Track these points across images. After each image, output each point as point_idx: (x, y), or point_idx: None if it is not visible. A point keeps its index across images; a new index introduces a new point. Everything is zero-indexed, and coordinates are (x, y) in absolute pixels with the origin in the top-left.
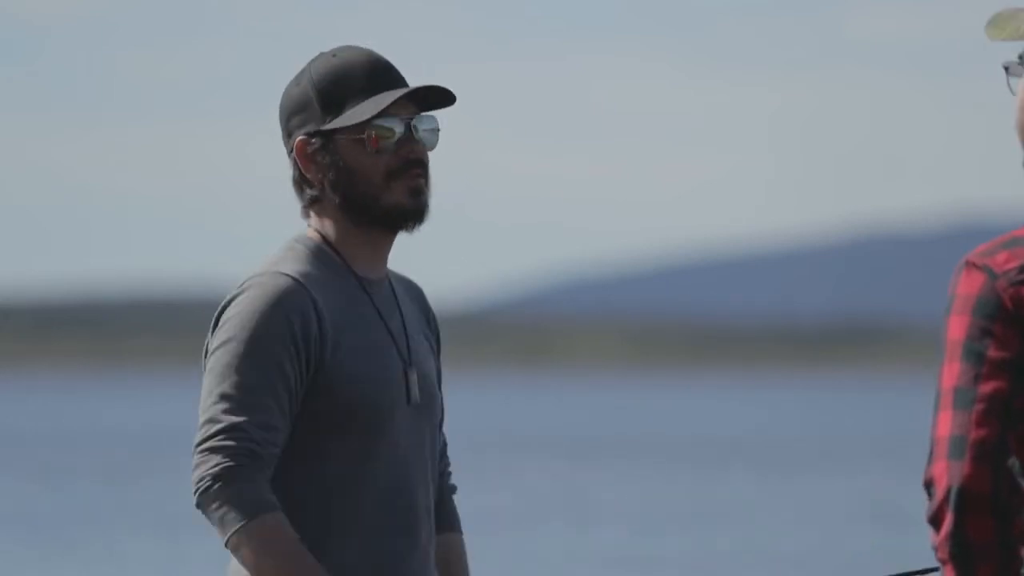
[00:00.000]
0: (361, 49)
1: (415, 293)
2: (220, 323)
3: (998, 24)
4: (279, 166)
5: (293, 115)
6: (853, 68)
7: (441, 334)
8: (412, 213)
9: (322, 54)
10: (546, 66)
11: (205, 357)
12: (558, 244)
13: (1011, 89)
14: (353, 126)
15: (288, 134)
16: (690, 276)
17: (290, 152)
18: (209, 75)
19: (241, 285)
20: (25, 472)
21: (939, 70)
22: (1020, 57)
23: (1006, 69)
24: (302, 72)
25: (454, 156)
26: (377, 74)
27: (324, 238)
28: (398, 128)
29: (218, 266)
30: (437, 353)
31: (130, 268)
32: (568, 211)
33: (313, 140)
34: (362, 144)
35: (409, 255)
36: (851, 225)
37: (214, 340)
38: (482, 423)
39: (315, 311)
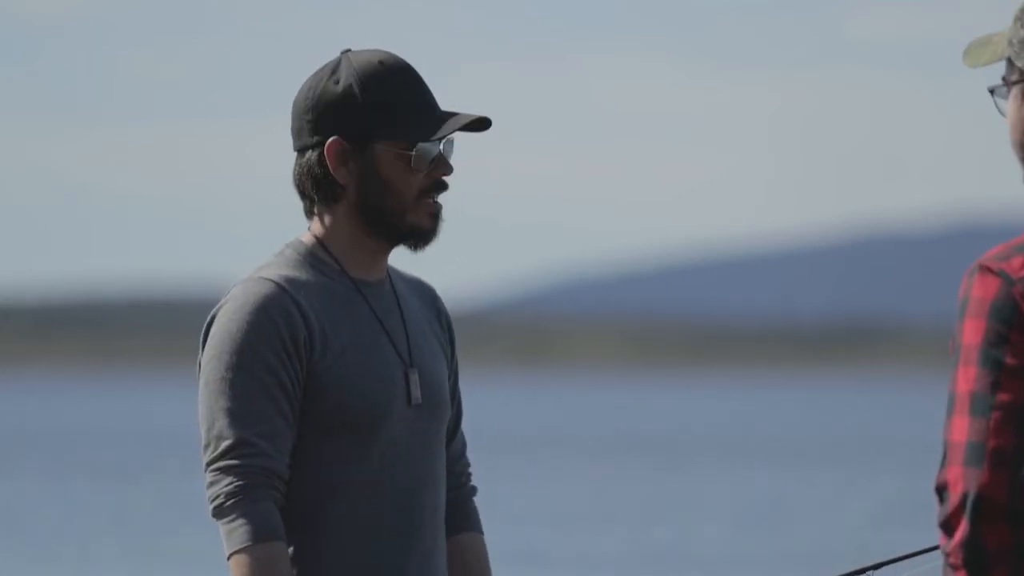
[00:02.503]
0: (400, 58)
1: (425, 294)
2: (209, 336)
3: (973, 53)
4: (279, 166)
5: (328, 112)
6: (853, 68)
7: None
8: (429, 235)
9: (361, 53)
10: (546, 66)
11: (199, 371)
12: (558, 244)
13: (1000, 111)
14: (403, 141)
15: (314, 130)
16: (690, 276)
17: (311, 148)
18: (209, 75)
19: (226, 295)
20: (25, 472)
21: (939, 70)
22: (1003, 79)
23: (991, 92)
24: (337, 69)
25: (453, 156)
26: (425, 92)
27: (320, 240)
28: (436, 149)
29: (218, 266)
30: (450, 354)
31: (130, 268)
32: (568, 211)
33: (349, 142)
34: (406, 160)
35: (409, 256)
36: (851, 225)
37: (205, 354)
38: (482, 423)
39: (300, 313)
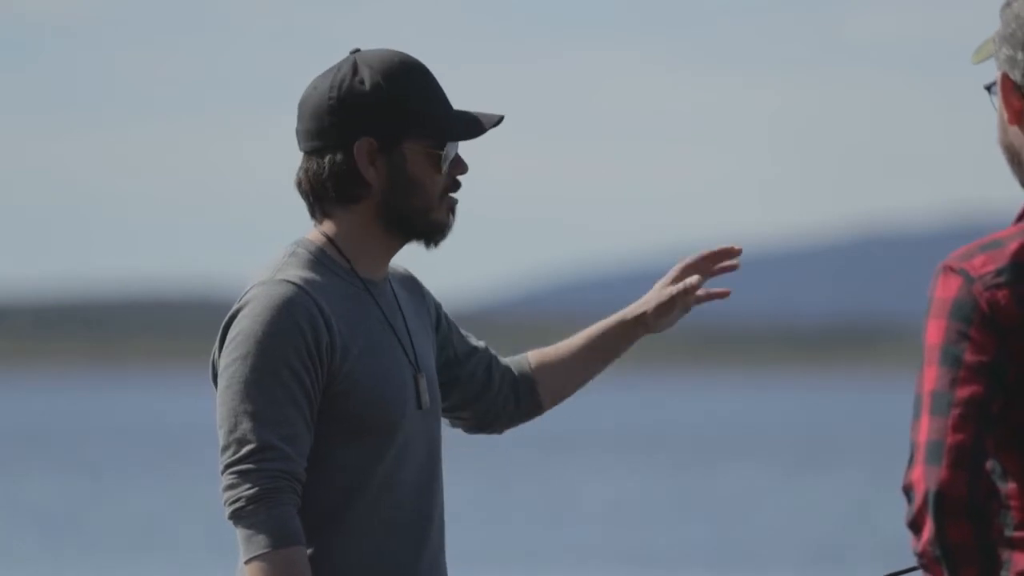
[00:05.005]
0: (415, 59)
1: (409, 283)
2: (229, 338)
3: (979, 49)
4: (278, 166)
5: (356, 112)
6: (853, 68)
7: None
8: (447, 230)
9: (375, 52)
10: (546, 65)
11: (214, 372)
12: (558, 243)
13: (994, 107)
14: (432, 141)
15: (340, 130)
16: None
17: (333, 149)
18: (209, 75)
19: (244, 296)
20: (30, 472)
21: (939, 70)
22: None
23: (988, 89)
24: (358, 69)
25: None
26: (443, 91)
27: (330, 239)
28: (454, 149)
29: (218, 266)
30: (436, 320)
31: (130, 268)
32: (568, 210)
33: (380, 142)
34: (435, 160)
35: (409, 255)
36: (851, 225)
37: (225, 356)
38: None
39: (322, 317)
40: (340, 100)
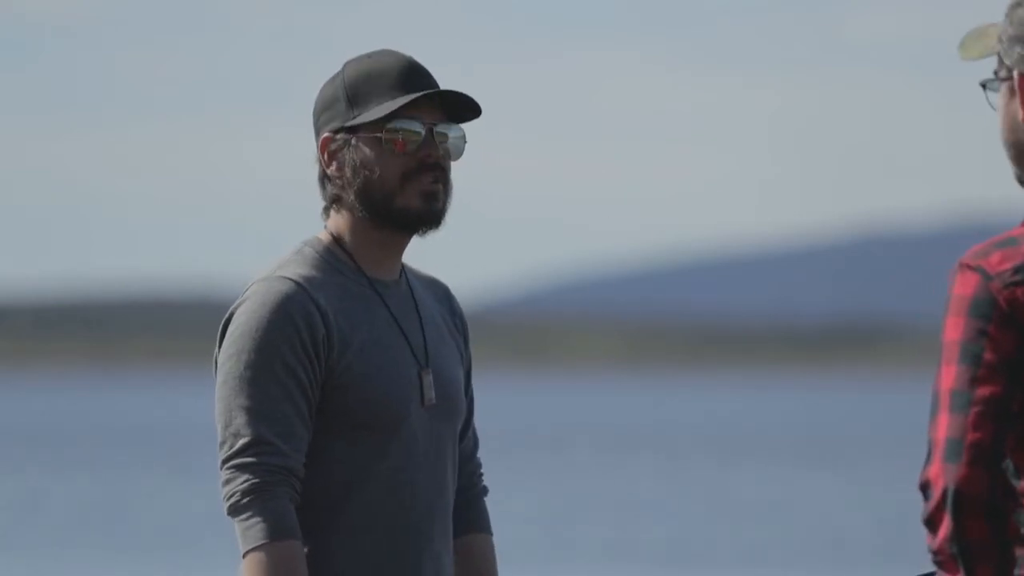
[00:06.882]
0: (399, 54)
1: (440, 292)
2: (227, 334)
3: (967, 45)
4: (278, 166)
5: (323, 112)
6: (853, 68)
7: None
8: (423, 217)
9: (360, 56)
10: (546, 64)
11: (215, 369)
12: (558, 243)
13: (991, 105)
14: (373, 124)
15: (316, 131)
16: (690, 276)
17: (317, 148)
18: (209, 75)
19: (243, 293)
20: (27, 471)
21: (939, 70)
22: (995, 73)
23: (983, 86)
24: (338, 72)
25: (465, 149)
26: (407, 76)
27: (337, 239)
28: (419, 131)
29: (218, 266)
30: (465, 352)
31: (130, 268)
32: (568, 210)
33: (336, 137)
34: (379, 143)
35: (411, 255)
36: (851, 225)
37: (223, 352)
38: (481, 423)
39: (319, 312)
40: (316, 103)
